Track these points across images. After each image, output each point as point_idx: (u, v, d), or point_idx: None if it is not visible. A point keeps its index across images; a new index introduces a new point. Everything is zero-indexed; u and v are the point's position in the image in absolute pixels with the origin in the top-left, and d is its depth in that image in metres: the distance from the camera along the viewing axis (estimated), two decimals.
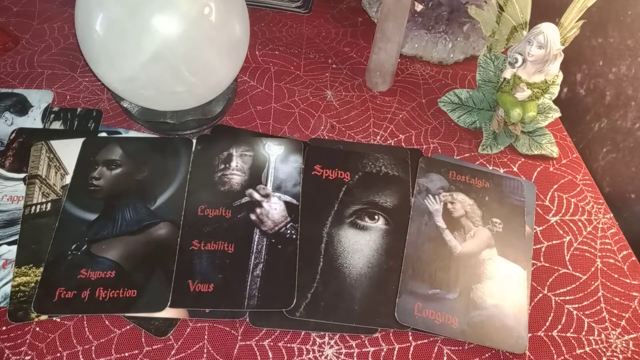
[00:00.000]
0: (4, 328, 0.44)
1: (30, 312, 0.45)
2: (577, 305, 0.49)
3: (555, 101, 0.58)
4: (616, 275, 0.51)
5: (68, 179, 0.52)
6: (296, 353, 0.45)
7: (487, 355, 0.46)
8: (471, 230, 0.51)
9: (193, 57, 0.48)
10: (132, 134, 0.58)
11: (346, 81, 0.66)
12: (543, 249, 0.52)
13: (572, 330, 0.47)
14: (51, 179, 0.52)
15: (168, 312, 0.45)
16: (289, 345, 0.45)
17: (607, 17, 0.61)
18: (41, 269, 0.46)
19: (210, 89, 0.54)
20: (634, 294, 0.50)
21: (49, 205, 0.51)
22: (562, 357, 0.46)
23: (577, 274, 0.51)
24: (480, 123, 0.61)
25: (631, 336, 0.47)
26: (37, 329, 0.44)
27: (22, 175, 0.53)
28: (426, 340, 0.46)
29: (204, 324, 0.46)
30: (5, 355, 0.43)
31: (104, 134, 0.57)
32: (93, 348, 0.44)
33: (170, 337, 0.45)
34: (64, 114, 0.59)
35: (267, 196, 0.52)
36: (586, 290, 0.50)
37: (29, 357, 0.43)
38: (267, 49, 0.69)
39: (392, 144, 0.60)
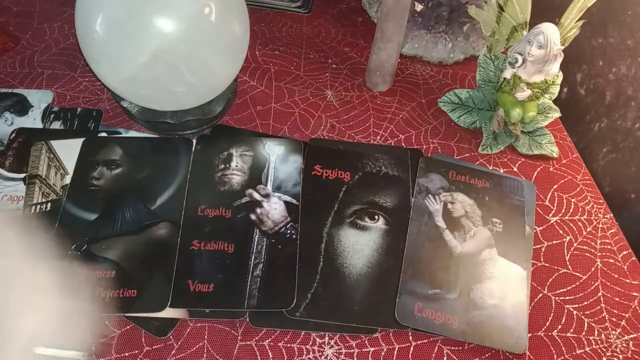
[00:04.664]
0: None
1: None
2: (577, 305, 0.49)
3: (555, 101, 0.58)
4: (616, 275, 0.51)
5: (68, 179, 0.52)
6: (296, 353, 0.45)
7: (487, 355, 0.46)
8: (471, 230, 0.51)
9: (193, 57, 0.48)
10: (132, 134, 0.58)
11: (346, 81, 0.66)
12: (543, 249, 0.52)
13: (572, 330, 0.47)
14: (51, 179, 0.52)
15: (168, 312, 0.45)
16: (289, 345, 0.45)
17: (607, 17, 0.61)
18: None
19: (210, 89, 0.54)
20: (634, 294, 0.50)
21: (49, 205, 0.51)
22: (562, 357, 0.46)
23: (577, 274, 0.51)
24: (480, 123, 0.61)
25: (631, 336, 0.47)
26: None
27: (22, 175, 0.53)
28: (426, 340, 0.46)
29: (204, 324, 0.46)
30: None
31: (104, 134, 0.57)
32: (93, 348, 0.44)
33: (170, 337, 0.45)
34: (64, 114, 0.59)
35: (267, 196, 0.52)
36: (586, 290, 0.50)
37: None
38: (267, 49, 0.69)
39: (392, 144, 0.60)
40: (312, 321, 0.46)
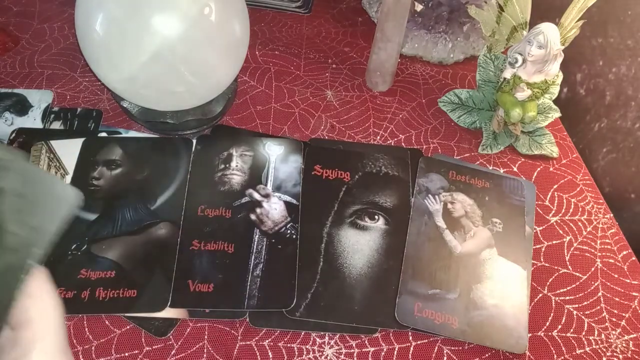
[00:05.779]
0: None
1: None
2: (577, 305, 0.49)
3: (555, 101, 0.58)
4: (616, 275, 0.51)
5: (68, 179, 0.52)
6: (296, 353, 0.45)
7: (487, 355, 0.46)
8: (471, 230, 0.51)
9: (193, 57, 0.48)
10: (132, 134, 0.58)
11: (346, 81, 0.66)
12: (543, 249, 0.52)
13: (572, 330, 0.47)
14: None
15: (168, 312, 0.45)
16: (289, 345, 0.45)
17: (607, 17, 0.61)
18: None
19: (210, 89, 0.54)
20: (634, 294, 0.50)
21: None
22: (562, 357, 0.46)
23: (577, 274, 0.51)
24: (480, 123, 0.61)
25: (631, 336, 0.47)
26: None
27: None
28: (426, 340, 0.46)
29: (204, 324, 0.46)
30: None
31: (104, 134, 0.57)
32: (93, 348, 0.44)
33: (170, 337, 0.45)
34: (64, 114, 0.59)
35: (267, 196, 0.52)
36: (586, 290, 0.50)
37: None
38: (267, 49, 0.69)
39: (392, 144, 0.60)
40: (312, 321, 0.46)
